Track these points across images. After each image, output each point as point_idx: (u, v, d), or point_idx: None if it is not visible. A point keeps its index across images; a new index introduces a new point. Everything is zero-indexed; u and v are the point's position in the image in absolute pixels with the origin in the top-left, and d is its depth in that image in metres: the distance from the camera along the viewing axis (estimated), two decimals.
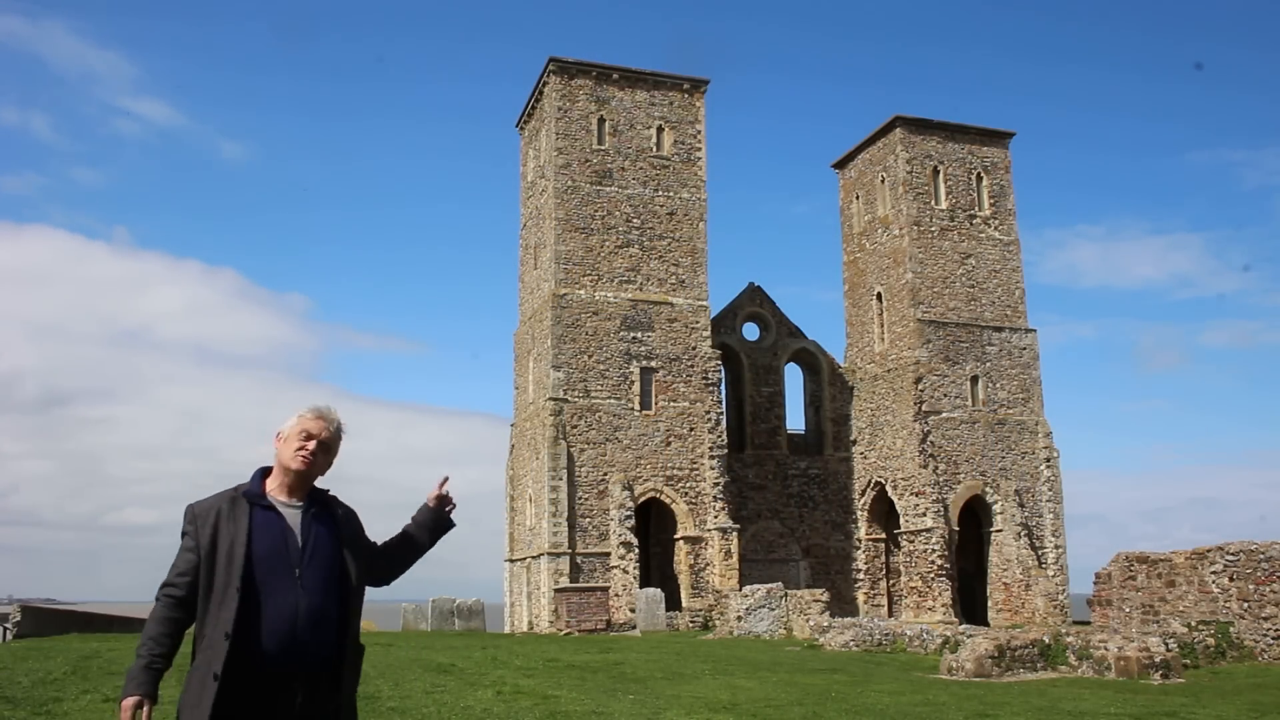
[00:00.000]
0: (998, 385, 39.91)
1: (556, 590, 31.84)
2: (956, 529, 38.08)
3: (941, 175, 41.02)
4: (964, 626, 26.01)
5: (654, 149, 38.25)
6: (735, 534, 35.97)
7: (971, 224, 41.08)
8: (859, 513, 41.25)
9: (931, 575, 37.00)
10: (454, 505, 4.25)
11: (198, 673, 3.64)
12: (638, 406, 36.03)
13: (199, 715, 3.57)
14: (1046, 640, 17.50)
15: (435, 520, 4.18)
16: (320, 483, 4.07)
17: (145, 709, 3.60)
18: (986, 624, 36.18)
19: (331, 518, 3.95)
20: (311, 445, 3.90)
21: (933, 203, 40.72)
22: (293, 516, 3.87)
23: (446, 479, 4.20)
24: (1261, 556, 18.14)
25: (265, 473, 3.98)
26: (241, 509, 3.80)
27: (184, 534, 3.81)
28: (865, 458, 41.10)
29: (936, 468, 38.03)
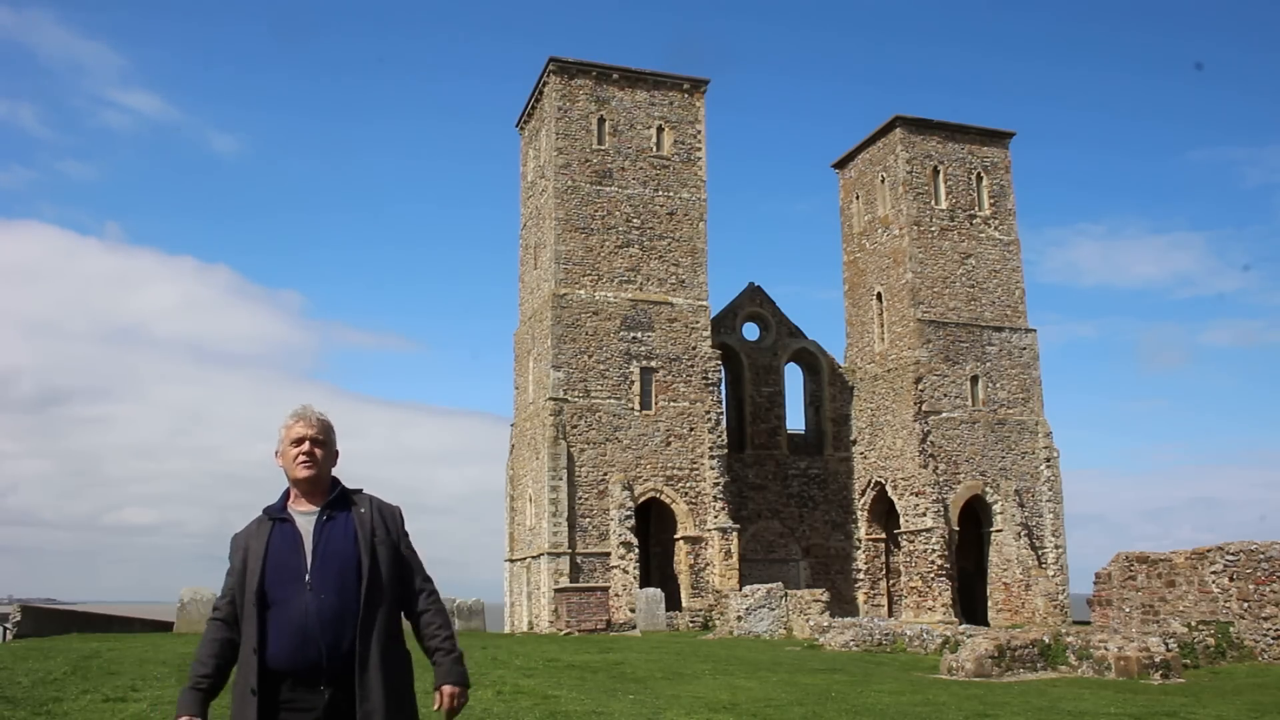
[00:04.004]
0: (998, 385, 39.91)
1: (556, 590, 31.84)
2: (956, 529, 38.08)
3: (941, 175, 41.03)
4: (964, 626, 26.02)
5: (654, 149, 38.25)
6: (735, 534, 35.97)
7: (971, 224, 41.09)
8: (859, 513, 41.25)
9: (931, 575, 36.99)
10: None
11: (237, 688, 3.79)
12: (638, 406, 36.03)
13: None
14: (1046, 640, 17.50)
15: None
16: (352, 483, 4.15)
17: None
18: (986, 624, 36.18)
19: (351, 516, 3.97)
20: (305, 447, 3.96)
21: (933, 203, 40.73)
22: (306, 523, 3.93)
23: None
24: (1261, 556, 18.13)
25: (289, 491, 4.08)
26: (264, 527, 3.94)
27: (229, 559, 3.99)
28: (865, 458, 41.10)
29: (936, 468, 38.03)
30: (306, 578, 3.82)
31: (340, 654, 3.77)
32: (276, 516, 3.95)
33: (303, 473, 3.94)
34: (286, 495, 4.03)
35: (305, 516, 3.95)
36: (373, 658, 3.79)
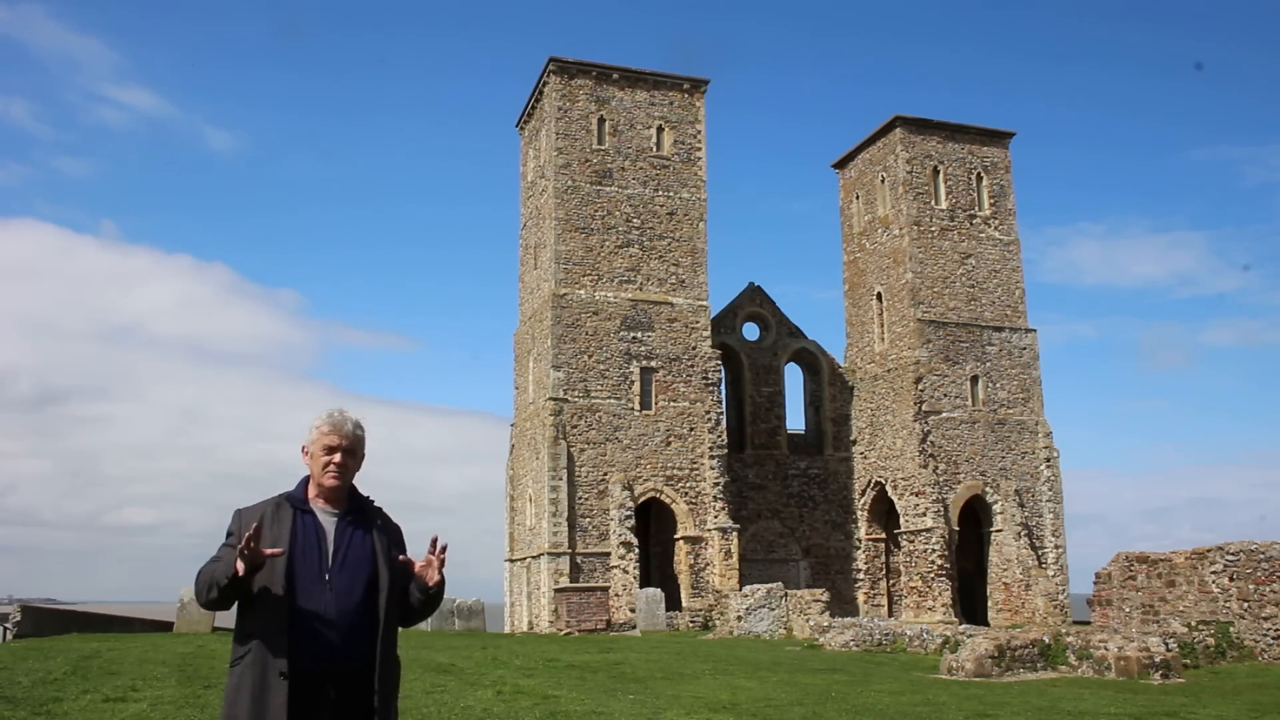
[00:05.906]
0: (998, 385, 39.92)
1: (556, 590, 31.85)
2: (956, 529, 38.08)
3: (941, 175, 41.03)
4: (964, 626, 26.00)
5: (654, 149, 38.25)
6: (735, 534, 35.97)
7: (971, 224, 41.09)
8: (859, 513, 41.25)
9: (931, 575, 37.00)
10: (438, 579, 3.98)
11: (253, 670, 3.72)
12: (638, 406, 36.03)
13: (270, 714, 3.66)
14: (1046, 640, 17.50)
15: (422, 590, 4.02)
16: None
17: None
18: (986, 624, 36.18)
19: (369, 525, 4.05)
20: (338, 458, 4.01)
21: (933, 203, 40.73)
22: (329, 522, 3.99)
23: (439, 544, 4.00)
24: (1261, 556, 18.14)
25: (309, 480, 4.10)
26: (285, 513, 3.95)
27: (229, 534, 3.95)
28: (865, 458, 41.10)
29: (936, 468, 38.03)
30: (326, 577, 3.86)
31: (349, 658, 3.82)
32: (301, 507, 3.98)
33: (330, 483, 4.00)
34: (306, 485, 4.07)
35: (327, 516, 4.00)
36: (387, 668, 3.90)
